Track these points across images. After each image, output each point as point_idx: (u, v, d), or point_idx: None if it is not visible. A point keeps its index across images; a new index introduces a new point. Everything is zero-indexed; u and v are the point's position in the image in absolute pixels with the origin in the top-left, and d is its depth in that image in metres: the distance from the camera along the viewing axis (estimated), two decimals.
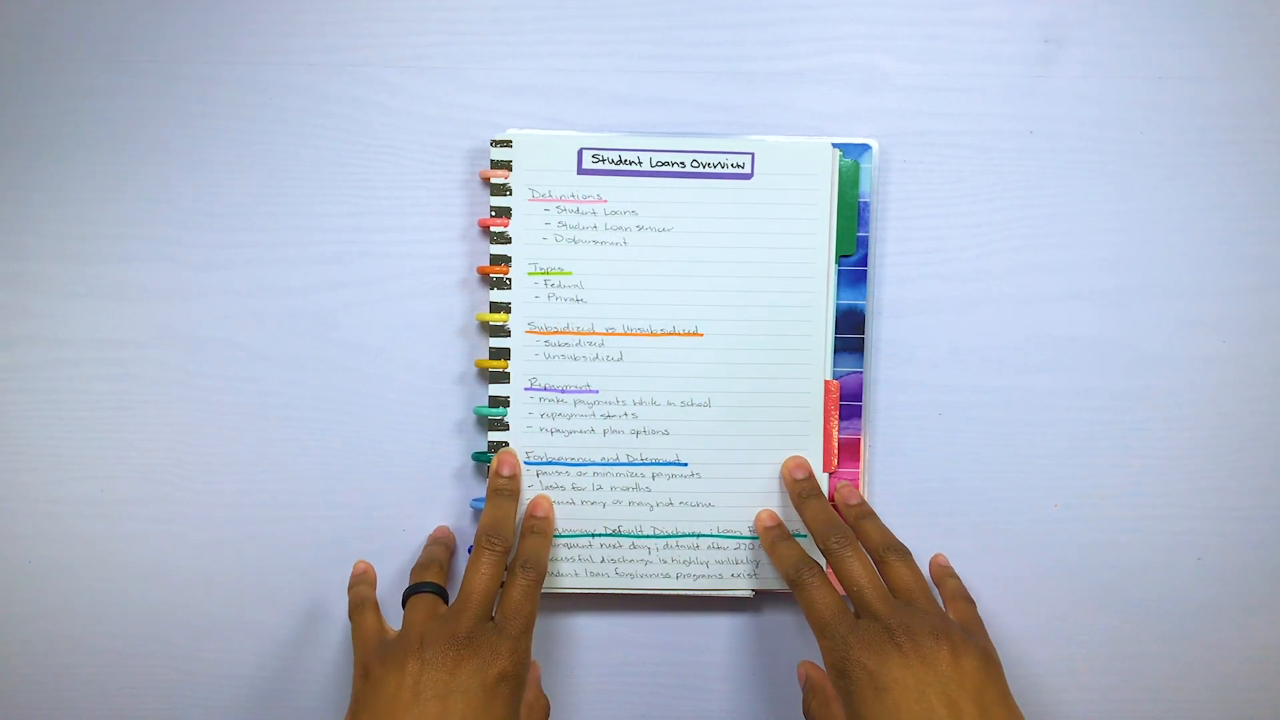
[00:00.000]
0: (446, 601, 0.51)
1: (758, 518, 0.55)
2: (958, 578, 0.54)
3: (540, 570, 0.51)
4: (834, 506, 0.54)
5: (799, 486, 0.54)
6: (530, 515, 0.54)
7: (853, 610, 0.49)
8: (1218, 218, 0.56)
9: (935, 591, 0.54)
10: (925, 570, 0.55)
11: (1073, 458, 0.57)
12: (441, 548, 0.54)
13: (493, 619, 0.49)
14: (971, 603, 0.52)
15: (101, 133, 0.56)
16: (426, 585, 0.51)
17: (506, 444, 0.55)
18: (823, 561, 0.53)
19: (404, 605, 0.50)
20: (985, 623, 0.51)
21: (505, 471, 0.54)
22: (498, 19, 0.56)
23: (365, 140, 0.56)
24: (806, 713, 0.51)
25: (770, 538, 0.54)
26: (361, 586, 0.53)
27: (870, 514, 0.53)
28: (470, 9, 0.56)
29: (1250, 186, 0.56)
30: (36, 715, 0.56)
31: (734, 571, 0.56)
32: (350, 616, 0.52)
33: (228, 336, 0.56)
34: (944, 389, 0.57)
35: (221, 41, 0.56)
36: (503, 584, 0.50)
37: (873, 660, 0.46)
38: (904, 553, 0.51)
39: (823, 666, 0.51)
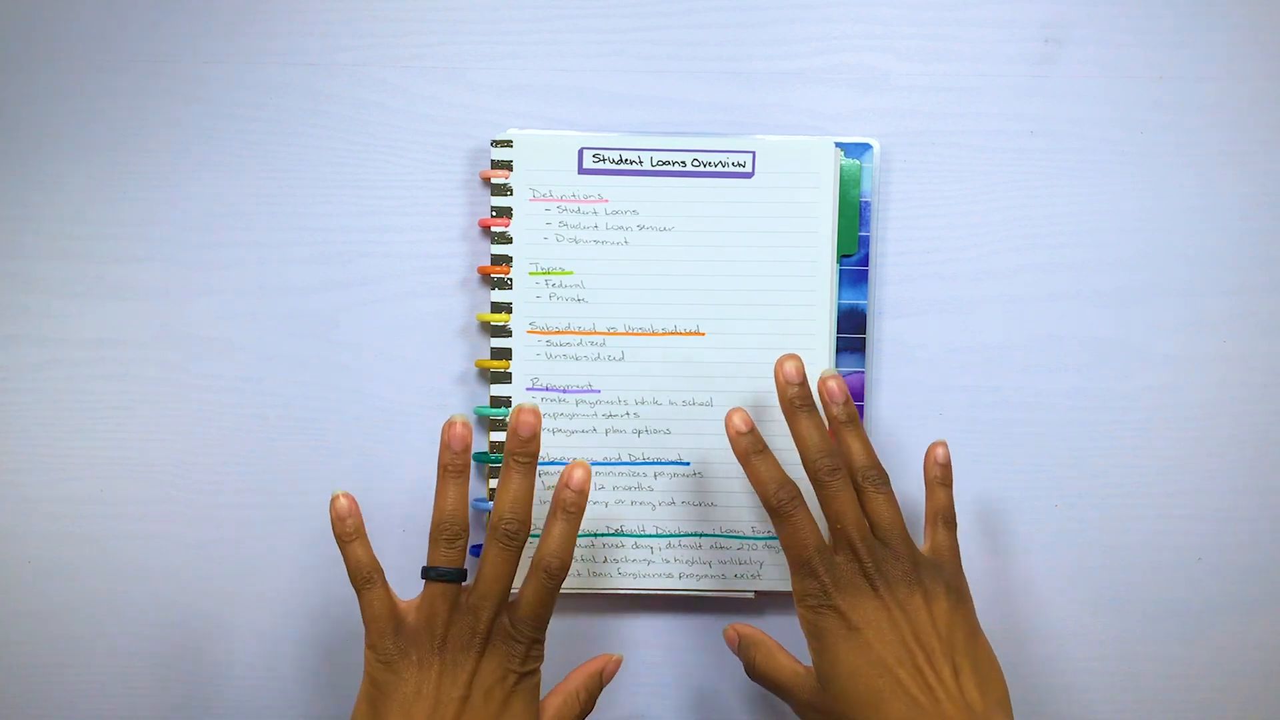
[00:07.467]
0: (464, 580, 0.49)
1: (728, 419, 0.49)
2: (950, 488, 0.52)
3: (563, 571, 0.48)
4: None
5: (792, 392, 0.49)
6: (564, 486, 0.49)
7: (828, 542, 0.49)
8: (1218, 218, 0.56)
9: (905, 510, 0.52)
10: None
11: (1073, 458, 0.57)
12: (461, 492, 0.49)
13: (509, 615, 0.48)
14: (952, 527, 0.51)
15: (100, 132, 0.56)
16: (450, 573, 0.48)
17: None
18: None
19: (423, 578, 0.48)
20: (983, 623, 0.51)
21: (524, 433, 0.48)
22: (498, 19, 0.56)
23: (365, 140, 0.56)
24: (752, 671, 0.51)
25: (743, 446, 0.49)
26: (359, 544, 0.48)
27: (853, 420, 0.50)
28: (470, 9, 0.56)
29: (1250, 186, 0.56)
30: (37, 715, 0.56)
31: (736, 572, 0.56)
32: (357, 588, 0.48)
33: (228, 336, 0.56)
34: (944, 389, 0.57)
35: (221, 41, 0.56)
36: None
37: (847, 601, 0.47)
38: (883, 482, 0.49)
39: (740, 626, 0.53)
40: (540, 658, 0.49)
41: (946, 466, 0.52)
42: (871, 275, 0.56)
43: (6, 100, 0.56)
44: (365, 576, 0.48)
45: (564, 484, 0.49)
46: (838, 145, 0.55)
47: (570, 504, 0.49)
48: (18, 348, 0.56)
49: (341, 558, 0.49)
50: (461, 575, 0.49)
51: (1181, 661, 0.57)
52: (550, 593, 0.48)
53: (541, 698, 0.50)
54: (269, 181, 0.56)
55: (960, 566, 0.51)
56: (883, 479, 0.50)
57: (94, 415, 0.56)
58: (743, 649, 0.52)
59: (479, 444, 0.56)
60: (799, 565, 0.48)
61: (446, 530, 0.48)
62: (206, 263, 0.56)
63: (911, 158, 0.56)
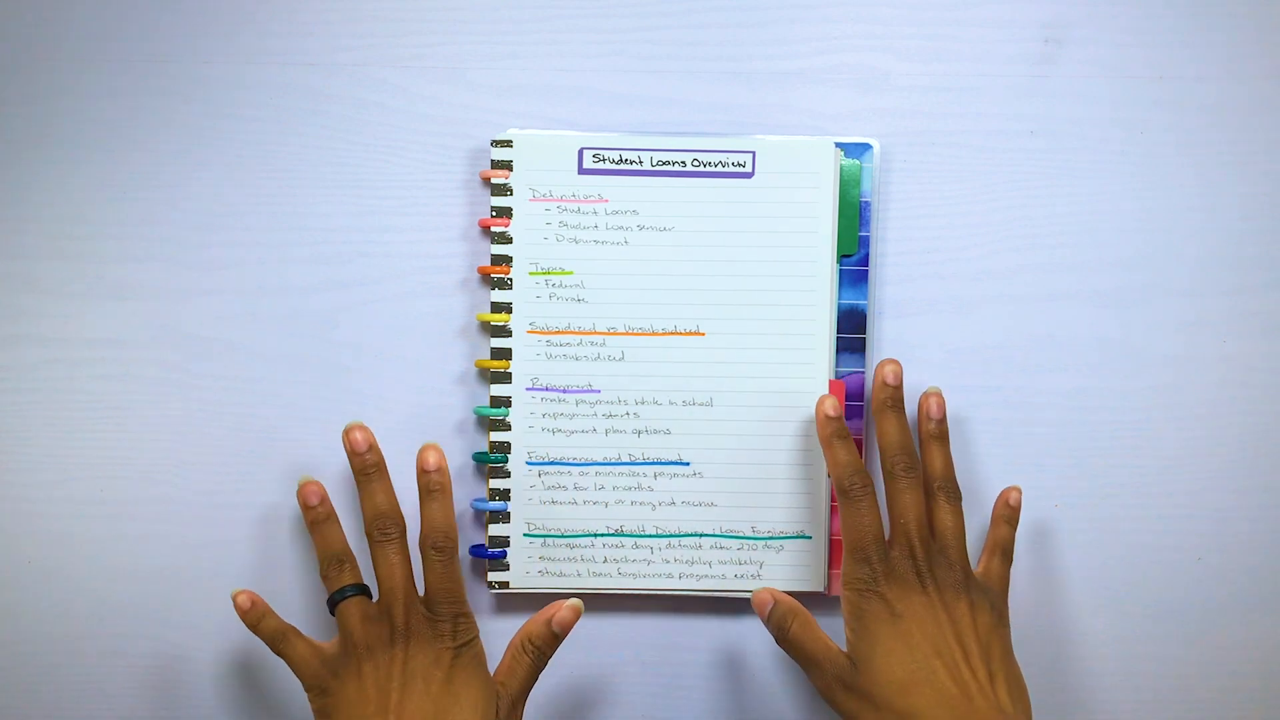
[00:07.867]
0: (371, 595, 0.51)
1: (820, 404, 0.53)
2: (1014, 528, 0.54)
3: (451, 545, 0.50)
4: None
5: (886, 394, 0.53)
6: (421, 471, 0.51)
7: (886, 536, 0.51)
8: (1218, 218, 0.56)
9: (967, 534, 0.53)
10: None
11: (1073, 458, 0.57)
12: (333, 530, 0.51)
13: (423, 604, 0.50)
14: (1008, 560, 0.53)
15: (99, 132, 0.56)
16: (350, 589, 0.50)
17: (508, 444, 0.55)
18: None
19: (332, 612, 0.50)
20: None
21: (360, 448, 0.51)
22: (498, 19, 0.56)
23: (365, 140, 0.56)
24: (783, 639, 0.51)
25: (829, 430, 0.52)
26: (267, 619, 0.50)
27: (943, 437, 0.53)
28: (470, 9, 0.56)
29: (1250, 187, 0.56)
30: (36, 715, 0.56)
31: (736, 572, 0.56)
32: (276, 651, 0.50)
33: (228, 336, 0.56)
34: (944, 389, 0.56)
35: (221, 41, 0.56)
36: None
37: (894, 591, 0.49)
38: (955, 496, 0.52)
39: (776, 591, 0.52)
40: (472, 629, 0.50)
41: (1016, 509, 0.55)
42: (871, 275, 0.56)
43: (6, 100, 0.55)
44: (280, 638, 0.50)
45: (421, 470, 0.51)
46: (838, 145, 0.55)
47: (434, 484, 0.51)
48: (18, 348, 0.56)
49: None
50: (362, 590, 0.51)
51: (1181, 661, 0.57)
52: (448, 568, 0.50)
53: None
54: (269, 181, 0.56)
55: (1007, 595, 0.52)
56: (956, 494, 0.52)
57: (94, 415, 0.56)
58: (778, 615, 0.52)
59: (478, 443, 0.56)
60: (854, 550, 0.50)
61: (329, 562, 0.51)
62: (206, 263, 0.56)
63: (911, 158, 0.56)
